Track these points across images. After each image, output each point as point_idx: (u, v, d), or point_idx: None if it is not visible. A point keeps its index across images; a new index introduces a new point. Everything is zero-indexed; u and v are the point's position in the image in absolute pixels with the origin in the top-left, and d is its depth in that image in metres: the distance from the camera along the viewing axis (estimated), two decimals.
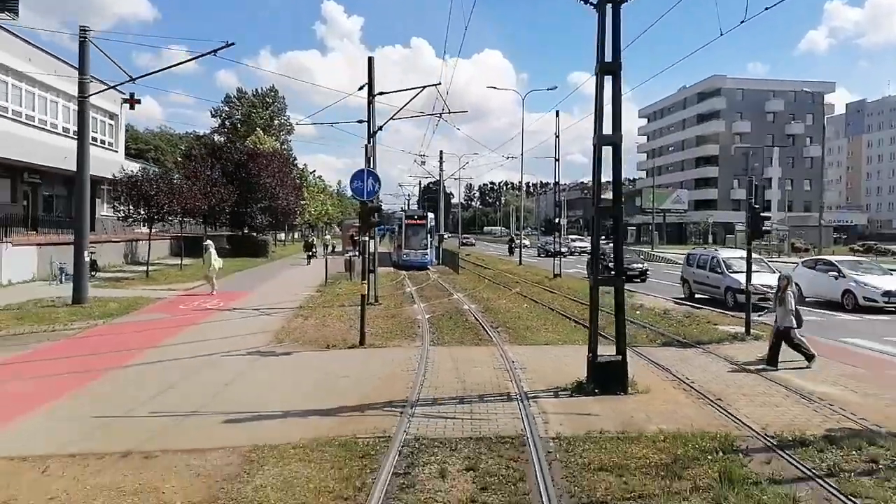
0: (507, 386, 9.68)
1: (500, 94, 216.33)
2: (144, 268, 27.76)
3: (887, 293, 17.95)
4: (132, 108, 22.95)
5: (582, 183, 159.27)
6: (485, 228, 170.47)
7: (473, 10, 62.09)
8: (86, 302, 17.58)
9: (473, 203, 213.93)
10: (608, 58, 9.52)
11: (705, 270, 20.66)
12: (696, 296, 21.43)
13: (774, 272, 19.54)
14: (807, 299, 20.23)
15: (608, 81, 9.63)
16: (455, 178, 77.61)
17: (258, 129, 67.98)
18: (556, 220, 35.82)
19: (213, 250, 21.92)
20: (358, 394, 9.20)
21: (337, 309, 18.34)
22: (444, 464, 6.48)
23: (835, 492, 5.90)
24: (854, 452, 6.91)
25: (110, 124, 37.07)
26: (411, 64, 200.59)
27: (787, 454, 6.84)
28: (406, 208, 66.49)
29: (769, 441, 7.28)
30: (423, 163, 57.60)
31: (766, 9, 10.68)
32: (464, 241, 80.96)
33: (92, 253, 23.71)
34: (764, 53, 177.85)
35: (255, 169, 39.22)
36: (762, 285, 18.18)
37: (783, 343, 11.29)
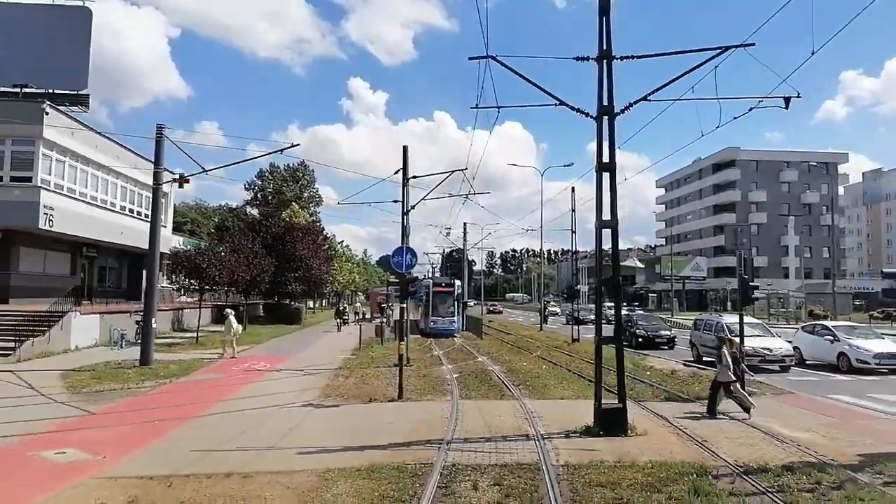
0: (526, 429, 11.52)
1: (520, 166, 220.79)
2: (191, 334, 30.02)
3: (878, 355, 19.52)
4: (181, 186, 25.85)
5: (603, 250, 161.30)
6: (507, 295, 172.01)
7: (495, 88, 65.89)
8: (151, 364, 19.75)
9: (495, 270, 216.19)
10: (605, 159, 11.74)
11: (711, 334, 22.36)
12: (704, 358, 23.06)
13: (774, 336, 21.24)
14: (807, 362, 21.81)
15: (605, 177, 11.82)
16: (478, 248, 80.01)
17: (293, 203, 71.38)
18: (577, 287, 37.85)
19: (232, 318, 24.05)
20: (402, 435, 11.09)
21: (373, 369, 20.29)
22: (476, 481, 8.34)
23: (779, 502, 7.67)
24: (804, 477, 8.64)
25: (161, 202, 39.96)
26: (433, 136, 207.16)
27: (749, 477, 8.60)
28: (431, 276, 68.71)
29: (737, 469, 9.04)
30: (448, 234, 60.21)
31: (751, 109, 12.92)
32: (490, 308, 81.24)
33: (123, 331, 26.13)
34: (782, 123, 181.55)
35: (290, 241, 41.91)
36: (762, 348, 19.87)
37: (731, 394, 13.05)
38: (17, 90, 29.75)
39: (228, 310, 25.01)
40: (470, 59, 12.13)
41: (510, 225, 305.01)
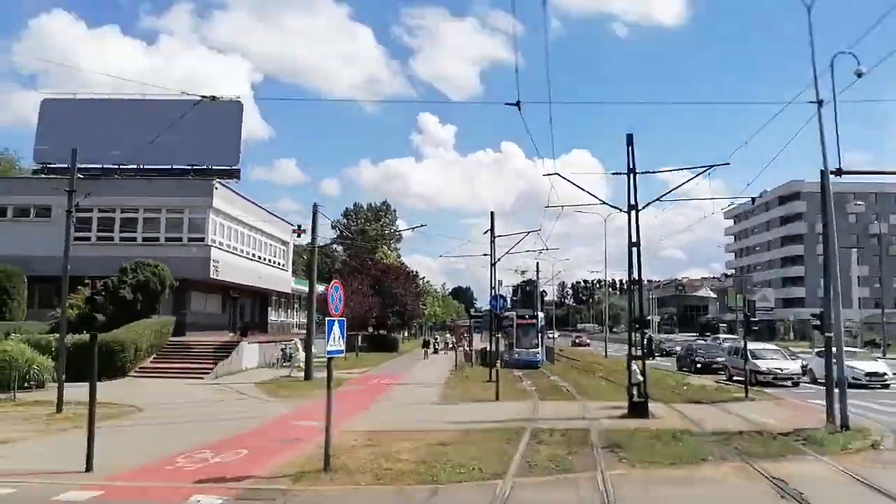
0: (582, 414, 17.95)
1: (590, 191, 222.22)
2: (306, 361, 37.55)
3: (868, 374, 24.87)
4: (299, 236, 33.58)
5: (675, 280, 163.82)
6: (578, 325, 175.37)
7: (561, 118, 72.28)
8: (312, 378, 27.05)
9: (567, 301, 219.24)
10: (633, 239, 18.21)
11: (738, 358, 27.97)
12: (734, 378, 28.64)
13: (787, 359, 26.80)
14: (818, 380, 27.14)
15: (635, 251, 18.27)
16: (549, 282, 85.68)
17: (383, 244, 79.34)
18: (647, 317, 43.45)
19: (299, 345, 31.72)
20: (504, 417, 17.65)
21: (471, 384, 26.99)
22: (551, 433, 14.80)
23: (724, 445, 13.82)
24: (745, 436, 14.74)
25: (283, 250, 48.35)
26: (501, 166, 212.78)
27: (710, 436, 14.78)
28: (514, 309, 75.02)
29: (707, 432, 15.21)
30: (523, 273, 66.58)
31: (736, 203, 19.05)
32: (577, 340, 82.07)
33: (294, 348, 33.74)
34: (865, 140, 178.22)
35: (387, 281, 49.43)
36: (776, 368, 25.53)
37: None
38: (189, 168, 38.19)
39: (296, 340, 32.74)
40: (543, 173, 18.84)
41: (580, 251, 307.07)
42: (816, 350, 30.20)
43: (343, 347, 11.87)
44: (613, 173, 18.35)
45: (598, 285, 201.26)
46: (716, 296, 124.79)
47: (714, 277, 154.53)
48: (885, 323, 71.90)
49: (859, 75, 15.18)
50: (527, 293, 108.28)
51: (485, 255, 29.11)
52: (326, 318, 11.56)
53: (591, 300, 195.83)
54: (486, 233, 28.49)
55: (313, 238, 28.55)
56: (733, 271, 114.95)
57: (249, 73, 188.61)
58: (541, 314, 43.62)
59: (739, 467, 11.49)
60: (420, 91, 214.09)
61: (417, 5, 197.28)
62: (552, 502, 9.47)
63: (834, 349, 15.87)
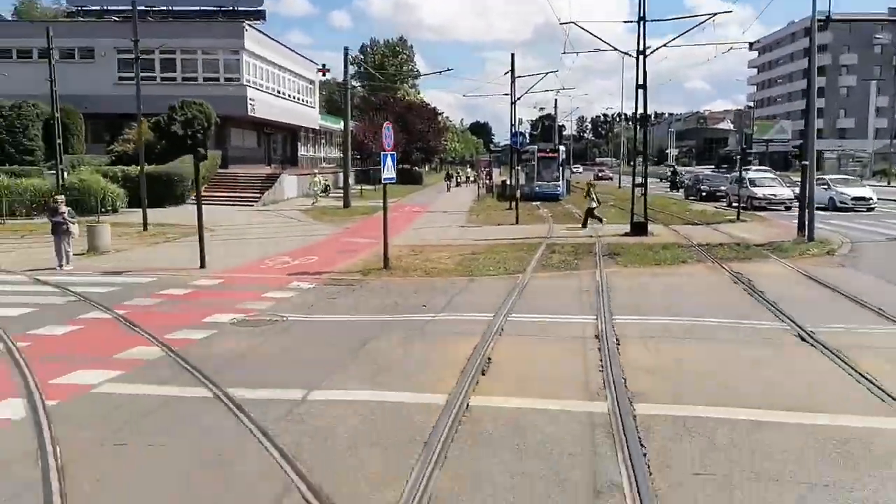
0: (591, 233, 20.94)
1: (611, 26, 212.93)
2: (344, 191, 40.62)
3: (854, 198, 27.44)
4: (324, 75, 35.49)
5: (697, 112, 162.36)
6: (597, 160, 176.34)
7: None
8: (350, 207, 30.18)
9: (585, 135, 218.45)
10: (641, 82, 20.16)
11: (737, 185, 30.48)
12: (733, 204, 31.30)
13: (782, 186, 29.30)
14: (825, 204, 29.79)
15: (641, 93, 20.27)
16: (568, 117, 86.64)
17: (403, 83, 79.90)
18: (666, 151, 45.39)
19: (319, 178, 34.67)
20: (523, 235, 20.69)
21: (493, 211, 30.02)
22: (563, 246, 17.83)
23: (704, 253, 16.77)
24: (725, 245, 17.67)
25: (310, 87, 49.93)
26: None
27: (696, 246, 17.71)
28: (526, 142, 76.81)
29: (693, 242, 18.15)
30: (542, 109, 67.70)
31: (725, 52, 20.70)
32: (599, 174, 78.35)
33: (326, 181, 36.72)
34: None
35: (410, 118, 51.31)
36: (770, 194, 28.10)
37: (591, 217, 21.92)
38: (217, 9, 39.18)
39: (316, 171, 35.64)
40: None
41: (600, 87, 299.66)
42: (825, 179, 32.59)
43: (395, 175, 14.51)
44: (625, 21, 19.85)
45: (616, 119, 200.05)
46: (735, 129, 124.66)
47: (738, 110, 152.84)
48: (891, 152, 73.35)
49: None
50: (546, 128, 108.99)
51: (505, 94, 31.01)
52: (382, 153, 14.13)
53: (609, 134, 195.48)
54: (506, 73, 30.17)
55: (345, 80, 30.50)
56: (754, 103, 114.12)
57: None
58: (562, 147, 43.11)
59: (710, 266, 14.50)
60: None
61: None
62: (559, 286, 12.52)
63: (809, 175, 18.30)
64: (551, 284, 12.76)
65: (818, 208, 29.17)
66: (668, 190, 49.16)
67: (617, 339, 8.33)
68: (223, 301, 10.92)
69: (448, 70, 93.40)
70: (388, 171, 14.17)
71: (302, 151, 53.94)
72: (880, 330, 8.96)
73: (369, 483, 4.68)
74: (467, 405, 6.10)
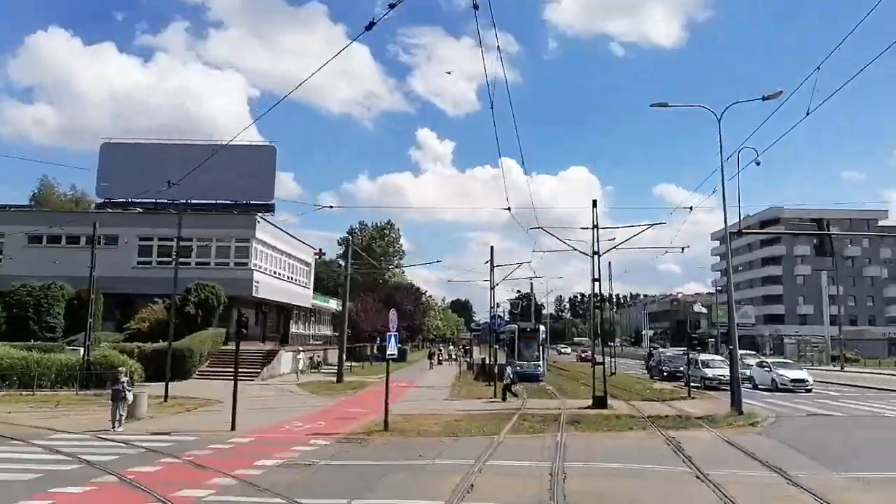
0: (558, 406, 24.07)
1: (587, 205, 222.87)
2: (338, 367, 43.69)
3: (793, 380, 31.03)
4: (319, 258, 39.65)
5: (670, 295, 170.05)
6: (575, 339, 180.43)
7: (559, 130, 78.68)
8: (343, 381, 33.13)
9: (564, 314, 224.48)
10: (596, 276, 24.39)
11: (691, 367, 34.07)
12: (692, 384, 34.66)
13: (724, 362, 32.87)
14: (759, 386, 33.29)
15: (597, 285, 24.44)
16: (546, 297, 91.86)
17: (388, 262, 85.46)
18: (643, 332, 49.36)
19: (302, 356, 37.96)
20: (501, 408, 23.78)
21: (474, 387, 33.11)
22: (533, 416, 20.95)
23: (650, 423, 19.95)
24: (669, 418, 20.87)
25: (306, 270, 54.53)
26: (499, 182, 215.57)
27: (646, 418, 20.90)
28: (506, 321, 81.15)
29: (645, 416, 21.34)
30: (519, 292, 72.67)
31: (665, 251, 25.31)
32: (583, 354, 72.25)
33: (319, 358, 39.84)
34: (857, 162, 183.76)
35: (398, 298, 55.62)
36: (720, 375, 31.65)
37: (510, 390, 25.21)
38: (231, 203, 44.44)
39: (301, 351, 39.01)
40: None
41: (579, 268, 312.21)
42: (757, 361, 36.41)
43: (396, 353, 17.94)
44: (583, 228, 24.54)
45: (592, 300, 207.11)
46: (707, 312, 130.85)
47: (708, 293, 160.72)
48: (850, 339, 78.57)
49: (758, 164, 21.50)
50: (525, 307, 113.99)
51: (485, 280, 35.32)
52: (387, 333, 17.71)
53: (588, 314, 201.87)
54: (486, 262, 34.68)
55: (347, 266, 34.74)
56: (719, 289, 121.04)
57: (246, 89, 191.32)
58: (542, 327, 43.51)
59: (652, 432, 17.67)
60: (417, 107, 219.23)
61: (413, 24, 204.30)
62: (528, 446, 15.54)
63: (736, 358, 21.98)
64: (521, 443, 15.81)
65: (763, 389, 32.94)
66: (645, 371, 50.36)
67: (565, 476, 11.41)
68: (261, 452, 13.84)
69: (437, 261, 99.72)
70: (392, 349, 17.74)
71: (294, 329, 57.41)
72: (757, 473, 12.13)
73: None
74: None
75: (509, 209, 20.72)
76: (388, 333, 17.83)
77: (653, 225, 26.44)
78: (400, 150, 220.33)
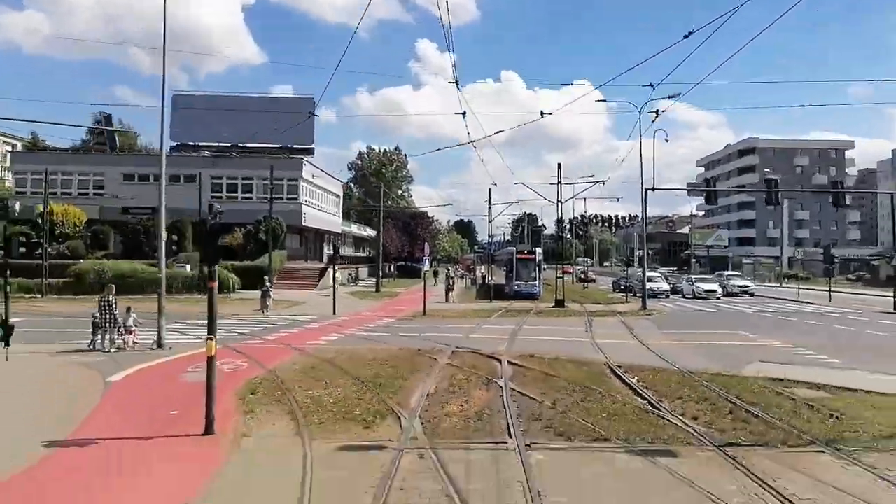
0: (533, 305, 35.77)
1: (591, 123, 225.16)
2: (376, 280, 55.45)
3: (707, 290, 42.69)
4: (345, 192, 50.79)
5: (667, 217, 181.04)
6: (578, 260, 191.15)
7: (562, 43, 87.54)
8: (380, 291, 44.91)
9: (565, 234, 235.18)
10: (564, 224, 35.57)
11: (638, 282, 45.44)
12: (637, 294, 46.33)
13: (664, 282, 44.58)
14: (685, 295, 44.95)
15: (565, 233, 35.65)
16: (547, 214, 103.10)
17: (397, 186, 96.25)
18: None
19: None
20: (494, 307, 35.46)
21: (475, 296, 44.91)
22: (512, 311, 32.60)
23: (586, 314, 31.55)
24: (601, 312, 32.52)
25: (336, 200, 65.70)
26: (501, 96, 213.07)
27: (587, 312, 32.56)
28: (515, 244, 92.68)
29: (585, 311, 33.02)
30: (521, 211, 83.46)
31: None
32: (581, 276, 73.85)
33: (352, 274, 51.52)
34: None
35: (414, 226, 67.01)
36: (655, 287, 43.32)
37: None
38: (280, 146, 55.13)
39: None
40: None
41: (581, 184, 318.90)
42: (686, 278, 48.08)
43: (429, 267, 29.38)
44: (550, 202, 35.31)
45: (591, 221, 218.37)
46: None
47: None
48: (809, 260, 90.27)
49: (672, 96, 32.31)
50: (526, 228, 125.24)
51: (484, 215, 46.40)
52: (423, 257, 29.18)
53: (584, 235, 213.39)
54: (486, 201, 45.65)
55: (380, 207, 45.72)
56: (702, 213, 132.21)
57: None
58: (538, 250, 46.11)
59: (581, 318, 29.27)
60: (415, 15, 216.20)
61: None
62: (505, 322, 26.89)
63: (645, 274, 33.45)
64: (502, 321, 27.52)
65: (687, 297, 44.69)
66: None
67: (519, 330, 22.99)
68: (357, 323, 25.45)
69: (448, 204, 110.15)
70: (426, 265, 29.15)
71: (327, 250, 69.20)
72: (621, 334, 23.71)
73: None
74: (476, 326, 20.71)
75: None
76: (423, 257, 29.23)
77: (595, 182, 37.12)
78: (399, 62, 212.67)
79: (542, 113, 23.38)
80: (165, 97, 19.57)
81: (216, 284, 9.80)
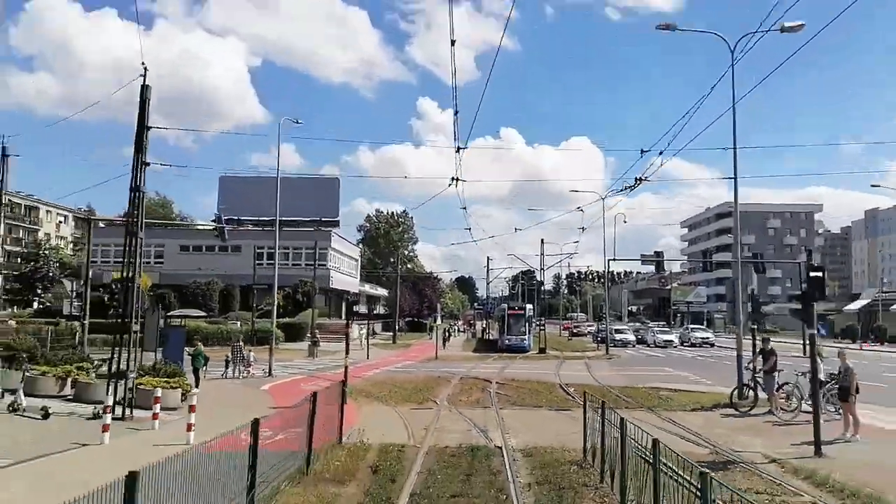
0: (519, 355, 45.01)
1: (587, 180, 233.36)
2: (393, 334, 64.55)
3: (665, 340, 51.88)
4: (363, 255, 60.53)
5: (658, 273, 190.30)
6: (568, 314, 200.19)
7: (561, 101, 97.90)
8: (396, 343, 54.09)
9: (561, 290, 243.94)
10: (540, 282, 45.09)
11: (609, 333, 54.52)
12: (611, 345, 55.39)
13: (629, 332, 53.85)
14: (648, 343, 54.07)
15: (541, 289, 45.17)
16: (544, 272, 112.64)
17: (402, 248, 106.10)
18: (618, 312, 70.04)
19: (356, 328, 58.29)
20: (489, 354, 44.64)
21: (475, 346, 54.09)
22: (503, 357, 41.80)
23: (562, 358, 40.72)
24: (573, 356, 41.72)
25: (354, 264, 75.33)
26: (501, 153, 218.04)
27: (562, 356, 41.74)
28: (507, 301, 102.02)
29: (562, 356, 42.20)
30: (518, 272, 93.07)
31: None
32: (575, 329, 79.20)
33: (370, 329, 60.74)
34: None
35: (421, 285, 76.50)
36: (622, 337, 52.53)
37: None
38: (310, 220, 65.09)
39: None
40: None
41: (577, 243, 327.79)
42: (649, 328, 57.31)
43: (440, 321, 38.84)
44: (536, 269, 44.75)
45: (585, 277, 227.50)
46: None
47: (669, 274, 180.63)
48: (778, 315, 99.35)
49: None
50: (522, 285, 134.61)
51: (483, 277, 55.83)
52: (432, 314, 38.63)
53: (578, 292, 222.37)
54: (484, 267, 55.12)
55: (397, 272, 55.24)
56: (686, 270, 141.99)
57: (246, 57, 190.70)
58: (529, 306, 50.32)
59: (556, 361, 38.44)
60: (417, 75, 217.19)
61: None
62: (497, 364, 36.06)
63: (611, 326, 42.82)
64: (494, 363, 36.69)
65: (649, 345, 53.83)
66: None
67: (505, 368, 32.21)
68: (386, 365, 34.65)
69: (453, 271, 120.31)
70: (438, 320, 38.56)
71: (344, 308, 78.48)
72: (582, 371, 32.93)
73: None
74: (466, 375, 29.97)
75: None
76: (434, 315, 38.50)
77: (569, 255, 46.47)
78: (400, 121, 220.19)
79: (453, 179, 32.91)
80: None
81: (349, 331, 19.11)
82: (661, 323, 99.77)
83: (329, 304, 70.39)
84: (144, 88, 15.39)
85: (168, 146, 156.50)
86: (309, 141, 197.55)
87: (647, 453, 7.11)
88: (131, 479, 4.73)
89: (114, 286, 55.39)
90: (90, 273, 59.34)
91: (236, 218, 67.21)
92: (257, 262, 63.06)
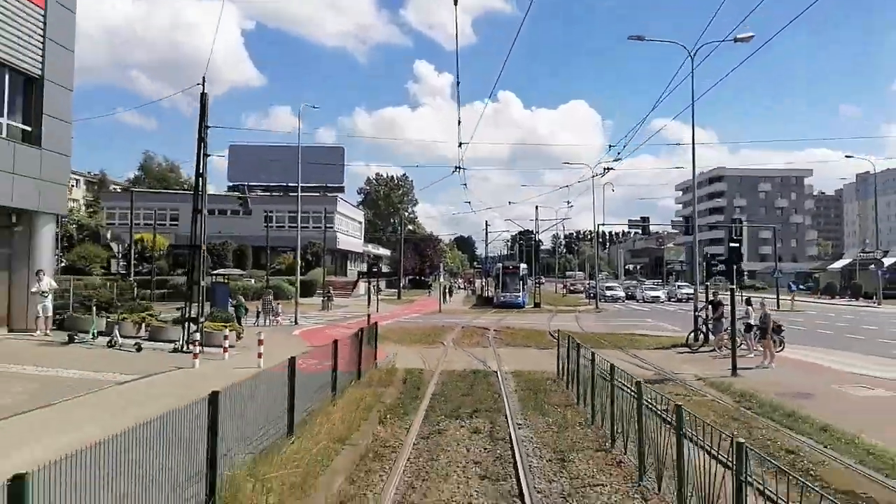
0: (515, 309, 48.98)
1: (586, 142, 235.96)
2: (398, 290, 68.52)
3: (652, 296, 55.81)
4: (365, 217, 64.16)
5: (656, 233, 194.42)
6: (566, 273, 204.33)
7: (559, 64, 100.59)
8: (401, 298, 58.02)
9: (558, 250, 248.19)
10: (533, 252, 48.76)
11: (603, 289, 58.44)
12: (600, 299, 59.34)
13: (619, 287, 57.79)
14: (637, 298, 58.00)
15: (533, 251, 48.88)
16: (544, 232, 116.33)
17: (403, 209, 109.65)
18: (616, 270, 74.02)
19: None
20: (487, 308, 48.58)
21: (475, 302, 58.07)
22: (500, 310, 45.76)
23: (555, 312, 44.67)
24: (564, 310, 45.66)
25: (358, 226, 78.91)
26: (498, 116, 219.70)
27: (555, 309, 45.65)
28: (503, 260, 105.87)
29: (555, 309, 46.13)
30: (519, 232, 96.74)
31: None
32: (571, 287, 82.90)
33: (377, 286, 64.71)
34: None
35: (424, 247, 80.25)
36: (613, 294, 56.49)
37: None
38: (319, 185, 68.44)
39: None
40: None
41: (582, 203, 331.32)
42: (639, 286, 61.22)
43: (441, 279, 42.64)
44: (533, 232, 48.16)
45: (584, 237, 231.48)
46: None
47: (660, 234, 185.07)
48: (768, 273, 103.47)
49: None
50: (520, 244, 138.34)
51: (483, 240, 59.41)
52: (433, 273, 42.45)
53: (577, 251, 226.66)
54: (484, 230, 58.71)
55: (400, 236, 58.86)
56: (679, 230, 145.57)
57: (239, 21, 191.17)
58: (523, 265, 53.45)
59: (549, 314, 42.38)
60: (413, 39, 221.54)
61: None
62: (494, 316, 39.89)
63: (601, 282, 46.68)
64: (492, 316, 40.57)
65: (638, 300, 57.81)
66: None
67: (502, 319, 36.09)
68: (394, 317, 38.43)
69: (457, 234, 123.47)
70: (441, 278, 42.38)
71: (350, 267, 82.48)
72: (571, 321, 36.85)
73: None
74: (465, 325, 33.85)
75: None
76: (435, 273, 42.28)
77: (562, 220, 50.06)
78: (397, 84, 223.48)
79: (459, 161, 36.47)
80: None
81: (372, 286, 22.87)
82: (657, 281, 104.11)
83: (336, 263, 74.18)
84: (203, 96, 18.80)
85: (164, 110, 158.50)
86: (307, 103, 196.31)
87: (607, 375, 10.66)
88: (291, 371, 8.43)
89: (134, 246, 59.37)
90: (114, 235, 63.07)
91: (245, 184, 70.64)
92: (265, 225, 66.96)
